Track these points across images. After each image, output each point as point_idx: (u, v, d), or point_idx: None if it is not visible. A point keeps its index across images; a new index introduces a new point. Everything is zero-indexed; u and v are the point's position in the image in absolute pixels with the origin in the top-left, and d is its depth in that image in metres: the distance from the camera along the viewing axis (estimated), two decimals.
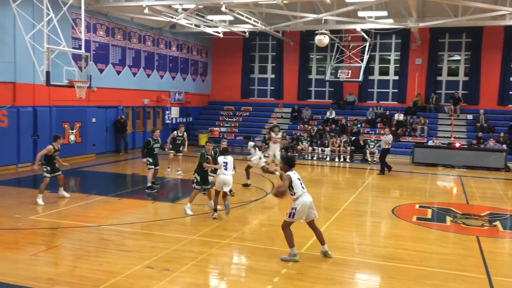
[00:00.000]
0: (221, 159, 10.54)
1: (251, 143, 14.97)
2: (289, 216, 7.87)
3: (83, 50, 15.20)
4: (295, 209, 7.78)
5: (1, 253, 7.94)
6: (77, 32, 17.41)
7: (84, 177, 16.28)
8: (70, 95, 16.05)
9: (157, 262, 7.56)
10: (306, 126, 25.00)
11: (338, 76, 24.20)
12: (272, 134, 16.77)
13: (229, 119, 27.61)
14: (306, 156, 22.05)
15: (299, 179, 7.91)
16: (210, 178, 11.20)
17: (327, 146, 22.07)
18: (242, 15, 20.04)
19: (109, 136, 21.13)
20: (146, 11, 18.01)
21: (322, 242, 8.05)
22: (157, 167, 13.54)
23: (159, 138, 13.61)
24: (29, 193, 12.91)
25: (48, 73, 13.86)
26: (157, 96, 24.30)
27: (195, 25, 22.73)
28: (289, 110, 27.01)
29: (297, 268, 7.47)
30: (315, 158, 21.91)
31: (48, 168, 11.57)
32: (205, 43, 28.56)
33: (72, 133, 18.67)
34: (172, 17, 20.34)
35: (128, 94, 22.19)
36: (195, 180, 10.75)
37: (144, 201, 12.46)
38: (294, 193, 7.80)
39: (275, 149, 16.54)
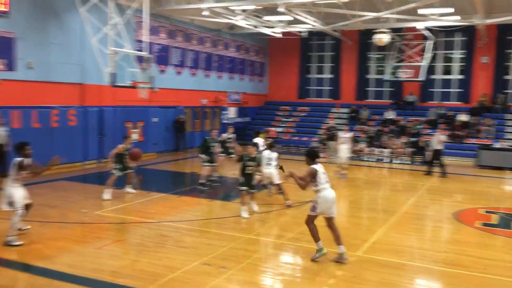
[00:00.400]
0: (266, 153, 11.19)
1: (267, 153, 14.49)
2: (312, 210, 7.79)
3: (145, 52, 15.76)
4: (317, 203, 7.70)
5: (69, 245, 8.41)
6: (140, 35, 18.08)
7: (145, 175, 16.85)
8: (133, 95, 16.70)
9: (213, 259, 7.72)
10: (364, 126, 24.55)
11: (398, 75, 23.60)
12: (340, 133, 16.42)
13: (286, 119, 27.63)
14: (363, 157, 21.65)
15: (324, 173, 7.77)
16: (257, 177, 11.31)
17: (386, 148, 21.55)
18: (300, 15, 20.00)
19: (169, 135, 21.78)
20: (205, 13, 18.40)
21: (339, 242, 7.80)
22: (214, 165, 13.84)
23: (216, 137, 13.89)
24: (94, 189, 13.56)
25: (113, 74, 14.48)
26: (215, 97, 24.75)
27: (253, 26, 22.94)
28: (347, 110, 26.64)
29: (354, 271, 7.37)
30: (373, 160, 21.47)
31: (119, 166, 12.10)
32: (262, 43, 28.76)
33: (134, 132, 19.40)
34: (230, 19, 20.65)
35: (187, 94, 22.76)
36: (240, 182, 10.70)
37: (202, 199, 12.74)
38: (317, 185, 7.64)
39: (343, 150, 16.11)
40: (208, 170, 13.69)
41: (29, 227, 9.05)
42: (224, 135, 15.71)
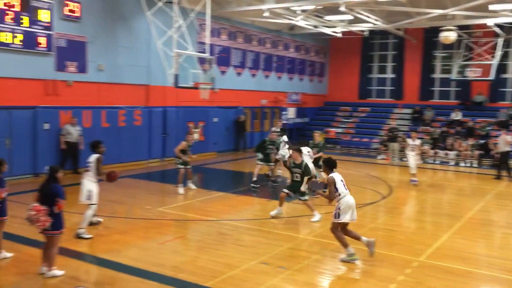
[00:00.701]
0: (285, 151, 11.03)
1: (284, 138, 14.63)
2: (336, 217, 7.74)
3: (207, 54, 16.11)
4: (340, 209, 7.73)
5: (133, 240, 8.77)
6: (203, 37, 18.51)
7: (206, 174, 17.22)
8: (195, 96, 17.12)
9: (272, 258, 7.76)
10: (428, 128, 23.68)
11: (465, 74, 22.60)
12: (409, 140, 15.42)
13: (346, 120, 27.21)
14: (427, 159, 20.89)
15: (342, 180, 7.87)
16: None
17: (452, 150, 20.67)
18: (362, 14, 19.63)
19: (229, 135, 22.12)
20: (266, 14, 18.51)
21: (358, 238, 7.87)
22: (270, 164, 14.25)
23: (276, 140, 14.23)
24: (157, 186, 14.05)
25: (176, 76, 14.93)
26: (275, 97, 24.83)
27: (313, 26, 22.79)
28: (410, 111, 25.83)
29: (416, 277, 7.15)
30: (437, 162, 20.67)
31: (181, 160, 12.71)
32: (322, 43, 28.51)
33: (196, 131, 19.87)
34: (291, 19, 20.64)
35: (247, 95, 23.00)
36: (287, 185, 10.74)
37: (260, 199, 12.83)
38: (339, 194, 7.72)
39: (411, 157, 14.99)
40: (261, 169, 14.06)
41: (101, 220, 9.52)
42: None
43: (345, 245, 7.75)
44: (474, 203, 12.60)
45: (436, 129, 22.65)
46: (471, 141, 20.45)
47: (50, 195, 6.68)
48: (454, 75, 23.35)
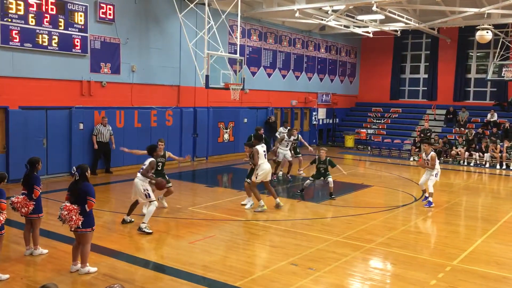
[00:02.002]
0: (260, 148, 10.99)
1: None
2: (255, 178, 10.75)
3: (238, 55, 16.19)
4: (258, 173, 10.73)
5: (164, 238, 8.91)
6: (233, 38, 18.62)
7: (235, 174, 17.31)
8: (225, 96, 17.24)
9: (301, 260, 7.74)
10: (463, 129, 23.12)
11: (502, 74, 21.96)
12: (423, 154, 12.74)
13: (377, 121, 26.85)
14: (461, 161, 20.39)
15: (264, 151, 10.81)
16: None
17: (487, 152, 20.11)
18: (394, 13, 19.33)
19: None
20: (297, 14, 18.47)
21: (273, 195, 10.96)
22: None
23: (266, 138, 14.27)
24: (188, 186, 14.20)
25: (207, 76, 15.07)
26: (305, 98, 24.73)
27: (345, 26, 22.59)
28: (443, 112, 25.27)
29: (449, 281, 6.99)
30: (472, 164, 20.14)
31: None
32: (354, 43, 28.22)
33: (226, 132, 20.01)
34: (322, 19, 20.52)
35: (277, 95, 22.99)
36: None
37: (290, 199, 12.81)
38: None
39: (424, 175, 12.46)
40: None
41: (133, 220, 9.70)
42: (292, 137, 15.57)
43: (258, 199, 10.78)
44: (510, 206, 12.22)
45: (471, 131, 22.09)
46: (507, 143, 19.84)
47: (81, 193, 6.86)
48: (490, 75, 22.74)
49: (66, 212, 6.70)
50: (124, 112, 16.11)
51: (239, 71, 16.23)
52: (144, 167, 9.27)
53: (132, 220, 9.71)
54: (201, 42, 15.66)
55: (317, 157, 12.87)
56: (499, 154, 19.53)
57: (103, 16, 15.11)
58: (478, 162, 20.10)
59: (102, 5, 15.02)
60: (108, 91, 15.63)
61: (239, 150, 20.71)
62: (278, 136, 15.99)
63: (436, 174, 12.06)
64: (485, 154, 20.02)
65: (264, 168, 10.90)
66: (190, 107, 18.38)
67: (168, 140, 17.47)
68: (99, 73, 15.31)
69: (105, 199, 12.32)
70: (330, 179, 12.61)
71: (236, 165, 18.48)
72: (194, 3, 15.72)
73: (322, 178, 12.70)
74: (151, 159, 9.33)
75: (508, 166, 19.35)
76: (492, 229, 10.02)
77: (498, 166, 19.45)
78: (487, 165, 19.78)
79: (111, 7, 15.28)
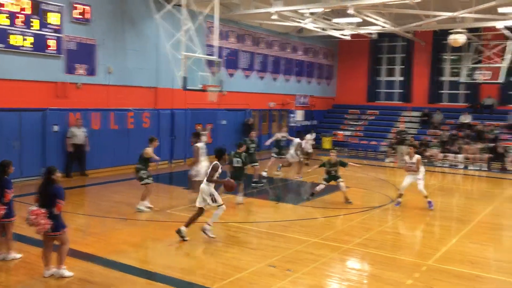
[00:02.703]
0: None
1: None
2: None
3: (215, 57, 16.15)
4: None
5: (142, 242, 8.81)
6: (211, 40, 18.56)
7: None
8: (203, 98, 17.16)
9: (279, 261, 7.75)
10: (437, 131, 23.56)
11: (475, 77, 22.45)
12: (406, 158, 12.51)
13: (354, 123, 27.14)
14: (436, 162, 20.77)
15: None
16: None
17: (460, 153, 20.53)
18: (370, 17, 19.59)
19: (237, 137, 22.10)
20: (274, 17, 18.54)
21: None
22: (254, 165, 14.22)
23: (255, 138, 14.65)
24: (166, 188, 14.09)
25: (184, 78, 14.98)
26: (283, 100, 24.83)
27: (322, 29, 22.77)
28: (418, 114, 25.71)
29: (425, 281, 7.11)
30: (446, 165, 20.54)
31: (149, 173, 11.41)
32: (331, 46, 28.48)
33: (204, 134, 19.89)
34: (299, 22, 20.64)
35: (255, 97, 23.02)
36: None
37: (268, 201, 12.83)
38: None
39: (408, 178, 12.29)
40: (255, 170, 14.29)
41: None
42: (278, 135, 16.63)
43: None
44: (483, 206, 12.50)
45: (445, 132, 22.52)
46: (480, 145, 20.30)
47: (50, 196, 6.74)
48: (463, 78, 23.21)
49: (33, 217, 6.59)
50: (100, 114, 15.88)
51: (216, 73, 16.20)
52: (208, 170, 9.08)
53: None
54: (178, 44, 15.56)
55: (327, 160, 12.61)
56: (473, 155, 19.96)
57: (79, 16, 14.88)
58: (452, 163, 20.51)
59: (77, 5, 14.80)
60: (83, 93, 15.39)
61: None
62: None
63: (422, 177, 12.05)
64: (459, 155, 20.44)
65: (203, 166, 11.15)
66: (167, 109, 18.24)
67: (145, 142, 17.27)
68: (74, 74, 15.07)
69: (80, 202, 12.13)
70: (342, 184, 12.32)
71: None
72: (171, 5, 15.63)
73: (333, 181, 12.41)
74: (216, 162, 9.06)
75: (481, 167, 19.77)
76: (466, 229, 10.22)
77: (471, 167, 19.88)
78: (461, 166, 20.20)
79: (87, 7, 15.06)
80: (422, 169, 12.08)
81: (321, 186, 12.45)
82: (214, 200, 8.97)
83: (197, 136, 12.12)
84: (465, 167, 20.06)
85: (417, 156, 12.01)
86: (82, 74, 15.30)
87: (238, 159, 11.88)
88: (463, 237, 9.56)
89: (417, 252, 8.58)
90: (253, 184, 14.18)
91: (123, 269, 7.32)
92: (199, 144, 11.63)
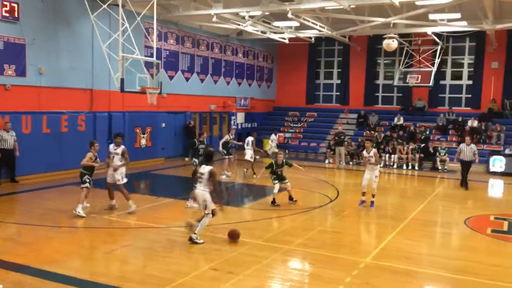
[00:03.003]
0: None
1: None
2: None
3: (154, 58, 15.82)
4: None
5: (77, 250, 8.44)
6: (150, 41, 18.19)
7: (153, 180, 16.91)
8: (142, 101, 16.77)
9: (221, 264, 7.70)
10: (373, 132, 24.45)
11: (407, 81, 23.53)
12: (364, 153, 13.06)
13: (294, 125, 27.60)
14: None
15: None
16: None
17: (394, 153, 21.43)
18: (308, 21, 20.01)
19: (177, 140, 21.83)
20: (214, 19, 18.47)
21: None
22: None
23: (205, 140, 14.76)
24: (102, 194, 13.58)
25: (122, 80, 14.55)
26: (223, 102, 24.80)
27: (261, 32, 22.98)
28: (355, 116, 26.57)
29: (363, 278, 7.31)
30: (381, 166, 21.31)
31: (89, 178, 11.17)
32: (271, 49, 28.80)
33: (143, 137, 19.47)
34: (239, 25, 20.71)
35: (196, 100, 22.82)
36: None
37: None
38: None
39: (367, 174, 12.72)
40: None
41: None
42: (227, 137, 16.96)
43: (127, 199, 11.02)
44: (416, 204, 13.08)
45: (380, 134, 23.40)
46: (412, 145, 21.27)
47: None
48: (396, 82, 24.22)
49: None
50: (31, 117, 15.07)
51: (156, 75, 15.87)
52: (205, 177, 8.84)
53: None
54: (115, 45, 15.10)
55: (273, 161, 12.69)
56: (406, 155, 20.88)
57: (6, 14, 14.07)
58: (387, 163, 21.34)
59: (5, 3, 13.99)
60: (12, 95, 14.55)
61: (157, 156, 20.27)
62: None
63: (378, 174, 12.50)
64: (393, 156, 21.32)
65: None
66: (104, 111, 17.65)
67: (81, 146, 16.63)
68: (2, 75, 14.23)
69: (10, 210, 11.46)
70: (288, 184, 12.54)
71: (154, 171, 18.06)
72: (106, 4, 15.13)
73: (280, 181, 12.49)
74: (210, 167, 8.91)
75: (413, 167, 20.72)
76: (401, 226, 10.65)
77: (404, 167, 20.79)
78: (395, 166, 21.07)
79: (15, 5, 14.28)
80: (377, 166, 12.45)
81: (277, 187, 12.45)
82: (205, 206, 8.85)
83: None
84: (399, 167, 20.94)
85: (374, 150, 12.45)
86: (11, 75, 14.48)
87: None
88: (398, 234, 9.94)
89: (355, 250, 8.82)
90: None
91: (57, 279, 6.97)
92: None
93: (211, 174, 8.83)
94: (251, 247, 8.69)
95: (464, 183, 15.87)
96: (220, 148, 16.71)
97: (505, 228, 10.86)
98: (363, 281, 7.17)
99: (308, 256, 8.42)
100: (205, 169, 8.91)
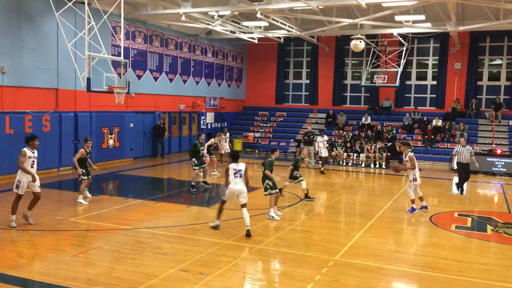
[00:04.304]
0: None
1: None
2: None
3: (122, 57, 15.58)
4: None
5: (42, 253, 8.22)
6: (117, 40, 17.90)
7: (121, 181, 16.65)
8: (110, 101, 16.50)
9: (192, 265, 7.65)
10: (341, 131, 24.78)
11: (374, 81, 23.94)
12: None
13: (264, 125, 27.69)
14: (340, 162, 21.83)
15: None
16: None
17: (362, 152, 21.79)
18: (277, 21, 20.11)
19: (146, 141, 21.56)
20: (183, 18, 18.33)
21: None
22: (204, 166, 14.73)
23: (203, 141, 14.85)
24: (69, 195, 13.32)
25: (88, 79, 14.27)
26: (193, 102, 24.64)
27: (231, 32, 22.95)
28: (324, 115, 26.86)
29: (332, 275, 7.40)
30: (350, 164, 21.67)
31: (83, 170, 12.08)
32: (240, 49, 28.80)
33: (111, 137, 19.14)
34: (208, 24, 20.62)
35: (165, 99, 22.60)
36: (269, 186, 11.11)
37: (180, 205, 12.64)
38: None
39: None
40: (197, 173, 14.44)
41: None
42: (212, 140, 17.19)
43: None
44: (384, 202, 13.34)
45: (348, 133, 23.74)
46: (379, 144, 21.68)
47: None
48: (363, 82, 24.63)
49: None
50: None
51: (123, 74, 15.65)
52: (242, 172, 9.61)
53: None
54: (81, 43, 14.80)
55: (299, 157, 13.29)
56: (373, 154, 21.25)
57: None
58: (355, 162, 21.66)
59: None
60: None
61: (125, 156, 19.97)
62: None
63: (414, 178, 11.94)
64: (361, 155, 21.67)
65: None
66: (70, 111, 17.26)
67: (45, 146, 16.26)
68: None
69: None
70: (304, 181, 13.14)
71: (122, 172, 17.79)
72: (72, 2, 14.82)
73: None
74: (244, 164, 9.75)
75: (380, 165, 21.11)
76: (369, 223, 10.83)
77: (372, 166, 21.16)
78: (363, 164, 21.42)
79: None
80: (413, 171, 11.98)
81: (304, 182, 13.08)
82: (244, 198, 9.58)
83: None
84: (367, 166, 21.29)
85: (410, 154, 12.10)
86: None
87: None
88: (366, 232, 10.11)
89: (324, 248, 8.91)
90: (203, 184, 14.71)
91: (21, 284, 6.78)
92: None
93: (247, 169, 9.67)
94: (221, 247, 8.67)
95: (460, 187, 15.01)
96: (205, 151, 16.26)
97: (469, 224, 11.20)
98: (333, 279, 7.26)
99: (278, 255, 8.47)
100: (240, 165, 9.63)
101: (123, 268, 7.49)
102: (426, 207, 12.27)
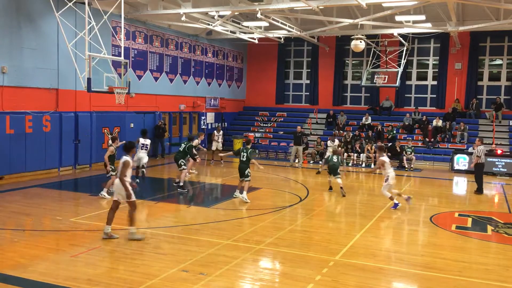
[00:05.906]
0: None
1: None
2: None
3: (122, 57, 15.58)
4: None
5: (43, 254, 8.22)
6: (117, 40, 17.91)
7: None
8: (110, 101, 16.51)
9: (192, 265, 7.65)
10: (341, 132, 24.77)
11: (374, 81, 23.93)
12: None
13: (264, 125, 27.69)
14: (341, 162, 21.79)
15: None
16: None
17: (363, 152, 21.78)
18: (278, 21, 20.11)
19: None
20: (183, 18, 18.34)
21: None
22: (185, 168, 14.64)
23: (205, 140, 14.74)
24: (70, 195, 13.34)
25: (89, 79, 14.28)
26: (193, 102, 24.64)
27: (231, 32, 22.96)
28: (324, 115, 26.86)
29: (332, 276, 7.40)
30: (350, 164, 21.66)
31: (113, 167, 12.59)
32: (240, 49, 28.80)
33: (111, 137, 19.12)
34: (208, 24, 20.62)
35: (165, 100, 22.60)
36: (249, 174, 12.69)
37: (180, 205, 12.63)
38: None
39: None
40: (185, 173, 14.52)
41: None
42: (196, 141, 16.38)
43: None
44: (384, 202, 13.32)
45: (348, 133, 23.73)
46: (380, 144, 21.62)
47: None
48: (363, 82, 24.62)
49: None
50: None
51: (124, 74, 15.65)
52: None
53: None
54: (81, 43, 14.81)
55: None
56: (373, 154, 21.24)
57: None
58: (355, 162, 21.66)
59: None
60: None
61: None
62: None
63: (386, 179, 12.70)
64: (361, 155, 21.66)
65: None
66: (70, 111, 17.27)
67: (46, 147, 16.28)
68: None
69: None
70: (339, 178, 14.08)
71: None
72: (72, 2, 14.83)
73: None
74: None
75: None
76: (369, 224, 10.83)
77: (372, 166, 21.14)
78: (363, 164, 21.41)
79: None
80: (389, 170, 12.81)
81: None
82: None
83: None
84: (367, 166, 21.28)
85: (380, 158, 13.10)
86: None
87: (244, 153, 12.71)
88: (366, 232, 10.11)
89: (325, 248, 8.91)
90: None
91: (21, 284, 6.78)
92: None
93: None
94: (221, 247, 8.67)
95: (481, 189, 15.23)
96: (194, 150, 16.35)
97: (469, 224, 11.20)
98: (333, 279, 7.26)
99: (278, 255, 8.46)
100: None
101: (123, 268, 7.49)
102: (409, 198, 12.86)
